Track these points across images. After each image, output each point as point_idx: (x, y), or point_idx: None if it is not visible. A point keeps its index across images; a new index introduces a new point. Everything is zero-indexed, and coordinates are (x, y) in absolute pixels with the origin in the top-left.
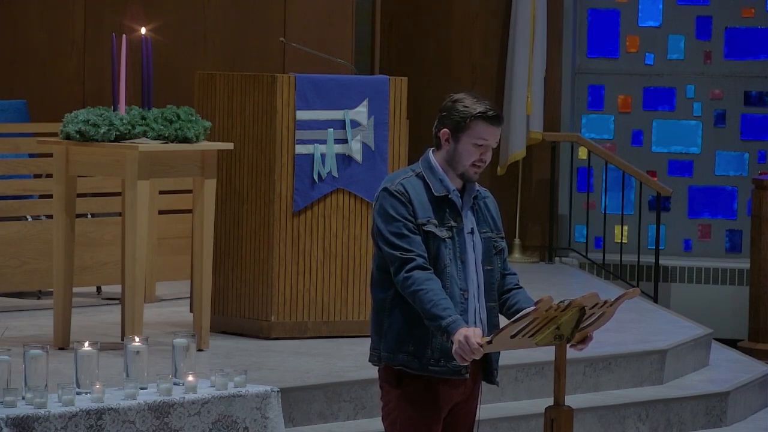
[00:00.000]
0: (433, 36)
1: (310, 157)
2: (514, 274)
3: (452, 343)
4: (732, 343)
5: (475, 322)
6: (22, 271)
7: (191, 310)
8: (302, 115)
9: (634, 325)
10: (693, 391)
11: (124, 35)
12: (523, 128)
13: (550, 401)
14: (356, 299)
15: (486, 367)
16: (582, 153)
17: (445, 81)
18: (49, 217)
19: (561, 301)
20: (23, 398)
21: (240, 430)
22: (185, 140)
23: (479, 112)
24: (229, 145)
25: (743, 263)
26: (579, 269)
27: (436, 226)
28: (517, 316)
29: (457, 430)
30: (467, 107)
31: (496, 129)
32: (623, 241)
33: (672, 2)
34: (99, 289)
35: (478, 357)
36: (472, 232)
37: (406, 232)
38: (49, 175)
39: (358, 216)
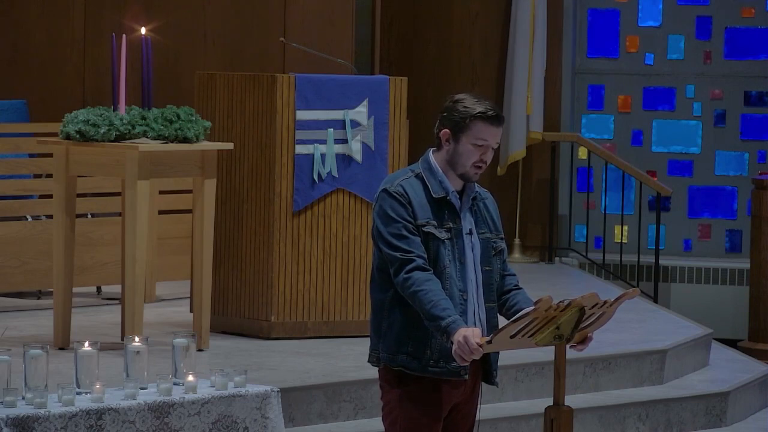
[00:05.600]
0: (433, 36)
1: (310, 157)
2: (514, 275)
3: (452, 343)
4: (732, 343)
5: (475, 323)
6: (22, 271)
7: (191, 310)
8: (302, 115)
9: (634, 325)
10: (693, 391)
11: (124, 35)
12: (523, 128)
13: (550, 401)
14: (356, 299)
15: (485, 368)
16: (582, 153)
17: (445, 81)
18: (49, 217)
19: (561, 301)
20: (23, 398)
21: (240, 430)
22: (185, 140)
23: (479, 112)
24: (229, 145)
25: (743, 263)
26: (579, 269)
27: (436, 227)
28: (517, 316)
29: (457, 430)
30: (467, 107)
31: (496, 129)
32: (623, 241)
33: (672, 2)
34: (99, 289)
35: (477, 357)
36: (470, 233)
37: (406, 233)
38: (49, 175)
39: (358, 216)
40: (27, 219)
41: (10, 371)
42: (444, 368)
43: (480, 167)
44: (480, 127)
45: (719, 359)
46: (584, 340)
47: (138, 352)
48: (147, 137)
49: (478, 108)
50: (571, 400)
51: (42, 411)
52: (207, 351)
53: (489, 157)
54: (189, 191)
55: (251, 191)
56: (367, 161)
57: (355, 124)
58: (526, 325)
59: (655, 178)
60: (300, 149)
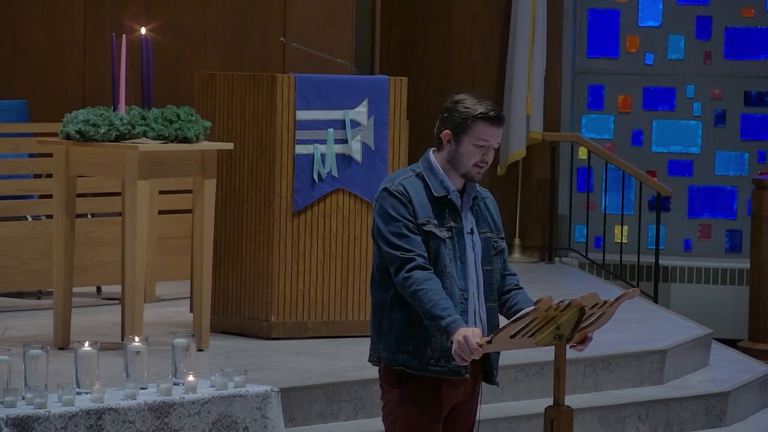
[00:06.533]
0: (433, 36)
1: (310, 157)
2: (514, 274)
3: (452, 343)
4: (732, 343)
5: (475, 323)
6: (22, 271)
7: (191, 310)
8: (302, 115)
9: (634, 325)
10: (693, 391)
11: (124, 35)
12: (523, 128)
13: (550, 401)
14: (356, 299)
15: (486, 368)
16: (582, 153)
17: (445, 81)
18: (49, 217)
19: (561, 301)
20: (23, 398)
21: (240, 430)
22: (185, 140)
23: (480, 113)
24: (229, 145)
25: (743, 263)
26: (579, 269)
27: (436, 226)
28: (517, 315)
29: (457, 430)
30: (468, 108)
31: (497, 130)
32: (623, 241)
33: (672, 2)
34: (99, 289)
35: (477, 357)
36: (471, 232)
37: (406, 232)
38: (49, 175)
39: (358, 216)
40: (27, 219)
41: (10, 371)
42: (444, 367)
43: (482, 167)
44: (481, 128)
45: (719, 359)
46: (584, 340)
47: (138, 352)
48: (147, 137)
49: (480, 109)
50: (571, 400)
51: (42, 411)
52: (207, 351)
53: (490, 157)
54: (189, 191)
55: (251, 191)
56: (367, 161)
57: (355, 124)
58: (526, 325)
59: (655, 178)
60: (300, 149)
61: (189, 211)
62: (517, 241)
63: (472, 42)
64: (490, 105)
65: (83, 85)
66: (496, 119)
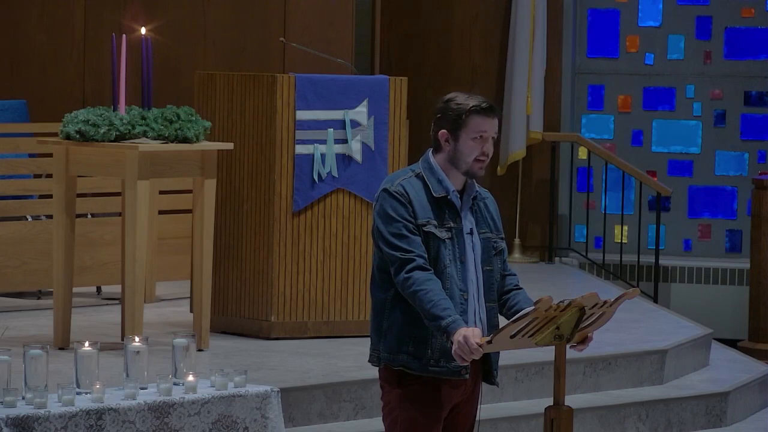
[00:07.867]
0: (433, 36)
1: (310, 157)
2: (514, 275)
3: (452, 343)
4: (732, 343)
5: (475, 323)
6: (22, 271)
7: (191, 310)
8: (302, 115)
9: (634, 325)
10: (693, 391)
11: (124, 35)
12: (523, 128)
13: (550, 401)
14: (356, 299)
15: (486, 368)
16: (582, 153)
17: (445, 81)
18: (49, 217)
19: (561, 301)
20: (23, 398)
21: (240, 430)
22: (185, 140)
23: (473, 106)
24: (229, 145)
25: (743, 263)
26: (579, 269)
27: (436, 227)
28: (517, 316)
29: (457, 430)
30: (460, 104)
31: (492, 120)
32: (623, 241)
33: (672, 2)
34: (99, 289)
35: (477, 357)
36: (471, 232)
37: (406, 233)
38: (49, 175)
39: (358, 216)
40: (27, 219)
41: (10, 371)
42: (445, 368)
43: (483, 161)
44: (477, 121)
45: (719, 359)
46: (584, 340)
47: (138, 352)
48: (147, 137)
49: (472, 102)
50: (571, 400)
51: (42, 411)
52: (207, 351)
53: (490, 149)
54: (189, 191)
55: (251, 191)
56: (367, 161)
57: (355, 124)
58: (526, 325)
59: (655, 178)
60: (300, 149)
61: (189, 211)
62: (517, 241)
63: (472, 42)
64: (480, 98)
65: (83, 85)
66: (489, 110)
